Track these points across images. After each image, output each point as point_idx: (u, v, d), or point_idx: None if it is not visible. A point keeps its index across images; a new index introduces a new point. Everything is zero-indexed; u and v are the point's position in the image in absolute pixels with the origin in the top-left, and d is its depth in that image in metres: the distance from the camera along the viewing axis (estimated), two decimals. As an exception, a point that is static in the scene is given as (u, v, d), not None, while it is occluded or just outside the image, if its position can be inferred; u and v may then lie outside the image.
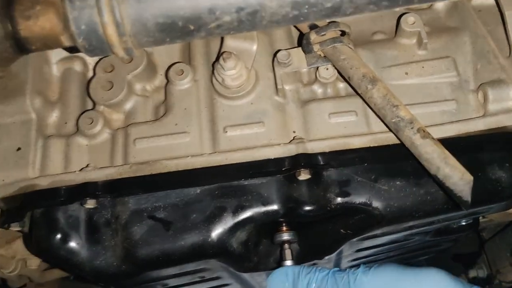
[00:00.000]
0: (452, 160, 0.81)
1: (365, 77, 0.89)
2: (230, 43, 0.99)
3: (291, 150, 0.91)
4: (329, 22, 0.98)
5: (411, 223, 0.97)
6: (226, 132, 0.96)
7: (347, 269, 0.91)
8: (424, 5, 1.12)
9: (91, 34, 0.63)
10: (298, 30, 1.06)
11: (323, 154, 0.90)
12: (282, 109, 0.99)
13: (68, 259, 0.92)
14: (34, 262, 1.39)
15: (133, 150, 0.96)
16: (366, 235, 1.01)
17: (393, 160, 0.92)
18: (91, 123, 0.99)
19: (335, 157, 0.91)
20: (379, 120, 0.93)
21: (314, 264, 1.07)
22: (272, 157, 0.91)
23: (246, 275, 1.16)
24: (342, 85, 1.02)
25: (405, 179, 0.91)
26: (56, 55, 1.10)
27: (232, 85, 0.97)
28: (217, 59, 0.96)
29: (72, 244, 0.91)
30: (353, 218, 0.95)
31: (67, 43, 0.67)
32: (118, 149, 0.98)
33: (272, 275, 0.97)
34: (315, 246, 1.05)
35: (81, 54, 1.10)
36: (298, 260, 1.01)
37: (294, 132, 0.97)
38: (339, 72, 0.98)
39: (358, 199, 0.90)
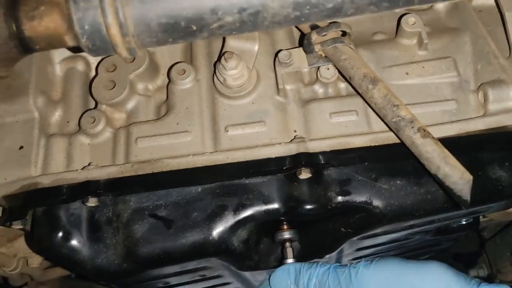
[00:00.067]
0: (452, 159, 0.81)
1: (366, 77, 0.90)
2: (232, 43, 1.00)
3: (292, 149, 0.91)
4: (330, 23, 0.99)
5: (411, 222, 0.98)
6: (228, 131, 0.97)
7: (349, 264, 0.91)
8: (425, 6, 1.13)
9: (94, 34, 0.63)
10: (299, 30, 1.07)
11: (323, 153, 0.91)
12: (283, 108, 1.00)
13: (69, 257, 0.92)
14: (36, 261, 1.40)
15: (134, 149, 0.97)
16: (367, 234, 1.01)
17: (394, 160, 0.92)
18: (93, 122, 1.00)
19: (335, 156, 0.91)
20: (380, 120, 0.93)
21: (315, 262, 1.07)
22: (273, 156, 0.91)
23: (247, 274, 1.17)
24: (343, 85, 1.02)
25: (406, 178, 0.92)
26: (59, 55, 1.10)
27: (234, 85, 0.98)
28: (219, 59, 0.97)
29: (74, 242, 0.92)
30: (354, 217, 0.95)
31: (71, 43, 0.67)
32: (120, 148, 0.98)
33: (274, 273, 0.97)
34: (316, 244, 1.06)
35: (84, 54, 1.11)
36: (299, 258, 1.01)
37: (295, 131, 0.97)
38: (340, 72, 0.98)
39: (359, 198, 0.91)
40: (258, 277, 1.20)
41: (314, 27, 0.99)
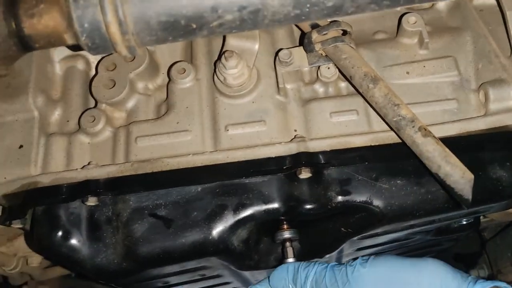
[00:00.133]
0: (453, 158, 0.81)
1: (367, 76, 0.90)
2: (232, 42, 1.00)
3: (292, 148, 0.91)
4: (331, 22, 0.99)
5: (411, 222, 0.98)
6: (228, 130, 0.96)
7: (345, 262, 0.91)
8: (426, 5, 1.13)
9: (94, 33, 0.63)
10: (300, 29, 1.07)
11: (324, 152, 0.91)
12: (283, 108, 0.99)
13: (69, 257, 0.92)
14: (36, 260, 1.40)
15: (134, 148, 0.97)
16: (367, 233, 1.01)
17: (394, 159, 0.92)
18: (93, 121, 0.99)
19: (336, 156, 0.91)
20: (380, 119, 0.93)
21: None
22: (273, 155, 0.91)
23: (246, 273, 1.16)
24: (343, 84, 1.02)
25: (406, 178, 0.91)
26: (59, 53, 1.10)
27: (234, 84, 0.97)
28: (219, 58, 0.97)
29: (73, 241, 0.92)
30: (354, 217, 0.95)
31: (70, 41, 0.67)
32: (120, 147, 0.98)
33: (274, 272, 0.97)
34: (316, 244, 1.05)
35: (84, 53, 1.10)
36: (299, 258, 1.01)
37: (295, 130, 0.97)
38: (340, 71, 0.98)
39: (359, 197, 0.90)
40: (258, 276, 1.20)
41: (314, 26, 0.99)
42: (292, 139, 0.94)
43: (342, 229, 0.98)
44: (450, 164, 0.81)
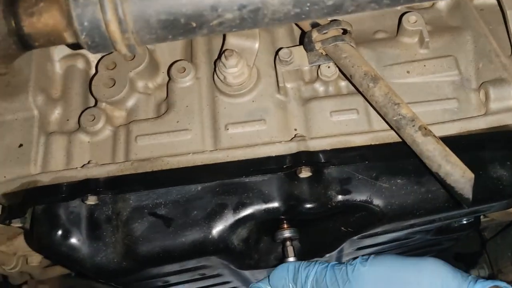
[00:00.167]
0: (453, 157, 0.81)
1: (367, 75, 0.90)
2: (232, 41, 0.99)
3: (292, 147, 0.91)
4: (331, 21, 0.98)
5: (412, 221, 0.98)
6: (228, 129, 0.96)
7: (346, 261, 0.91)
8: (426, 4, 1.12)
9: (94, 31, 0.63)
10: (300, 28, 1.06)
11: (324, 152, 0.91)
12: (283, 107, 0.99)
13: (69, 256, 0.92)
14: (35, 259, 1.40)
15: (134, 147, 0.97)
16: (367, 233, 1.01)
17: (394, 158, 0.92)
18: (93, 120, 0.99)
19: (336, 155, 0.91)
20: (381, 118, 0.93)
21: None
22: (273, 154, 0.91)
23: (246, 273, 1.16)
24: (343, 83, 1.02)
25: (406, 177, 0.91)
26: (59, 52, 1.10)
27: (234, 83, 0.97)
28: (219, 56, 0.97)
29: (73, 240, 0.91)
30: (354, 216, 0.95)
31: (70, 39, 0.67)
32: (120, 146, 0.98)
33: (274, 271, 0.97)
34: (316, 243, 1.05)
35: (84, 52, 1.10)
36: (299, 257, 1.01)
37: (295, 130, 0.97)
38: (340, 70, 0.98)
39: (359, 197, 0.90)
40: (258, 276, 1.19)
41: (314, 25, 0.99)
42: (292, 138, 0.94)
43: (342, 228, 0.98)
44: (450, 163, 0.81)
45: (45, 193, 0.92)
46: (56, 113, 1.06)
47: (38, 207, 0.93)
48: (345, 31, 0.98)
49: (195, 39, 1.08)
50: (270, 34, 1.08)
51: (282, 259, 1.00)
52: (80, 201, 0.92)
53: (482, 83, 0.99)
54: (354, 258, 0.90)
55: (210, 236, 0.90)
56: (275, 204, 0.90)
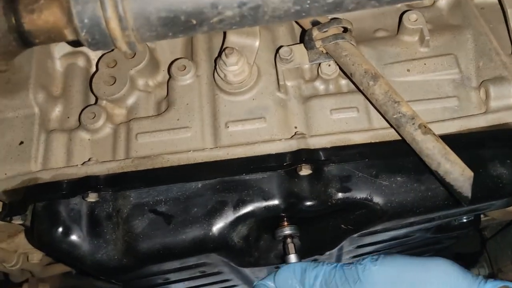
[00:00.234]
0: (453, 156, 0.81)
1: (367, 74, 0.90)
2: (233, 39, 1.00)
3: (292, 145, 0.91)
4: (331, 19, 0.98)
5: (411, 219, 0.98)
6: (228, 127, 0.96)
7: (354, 261, 0.91)
8: (427, 2, 1.13)
9: (94, 28, 0.63)
10: (300, 26, 1.07)
11: (324, 149, 0.91)
12: (283, 105, 0.99)
13: (69, 253, 0.92)
14: (36, 256, 1.40)
15: (135, 145, 0.97)
16: (367, 230, 1.01)
17: (394, 156, 0.92)
18: (94, 117, 1.00)
19: (336, 153, 0.91)
20: (381, 117, 0.93)
21: (315, 259, 1.07)
22: (273, 152, 0.91)
23: (246, 271, 1.16)
24: (344, 81, 1.02)
25: (406, 175, 0.91)
26: (60, 50, 1.10)
27: (234, 81, 0.97)
28: (220, 54, 0.97)
29: (74, 237, 0.92)
30: (354, 214, 0.95)
31: (70, 36, 0.67)
32: (120, 144, 0.98)
33: (280, 271, 0.97)
34: (316, 241, 1.05)
35: (84, 50, 1.11)
36: (299, 255, 1.01)
37: (295, 127, 0.97)
38: (341, 69, 0.98)
39: (359, 194, 0.90)
40: (258, 273, 1.20)
41: (315, 23, 0.99)
42: (292, 136, 0.94)
43: (342, 226, 0.98)
44: (449, 161, 0.81)
45: (46, 190, 0.92)
46: (56, 111, 1.06)
47: (39, 204, 0.93)
48: (345, 30, 0.98)
49: (195, 37, 1.09)
50: (271, 32, 1.08)
51: (283, 256, 1.00)
52: (80, 198, 0.92)
53: (483, 81, 0.99)
54: (363, 257, 0.90)
55: (210, 233, 0.90)
56: (275, 202, 0.91)
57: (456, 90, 1.00)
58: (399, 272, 0.86)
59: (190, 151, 0.93)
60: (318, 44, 0.97)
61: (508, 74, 0.97)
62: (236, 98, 0.99)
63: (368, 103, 0.96)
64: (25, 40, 0.68)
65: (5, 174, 0.96)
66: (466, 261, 2.27)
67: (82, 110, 1.02)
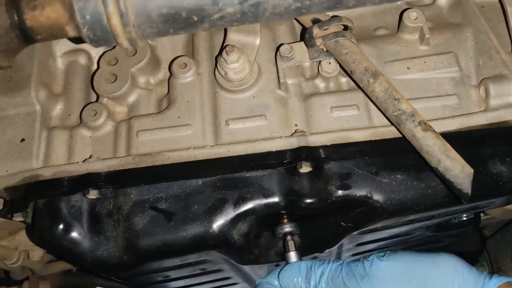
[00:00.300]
0: (453, 153, 0.81)
1: (367, 71, 0.90)
2: (233, 36, 1.00)
3: (293, 143, 0.91)
4: (332, 17, 0.99)
5: (411, 217, 0.98)
6: (228, 125, 0.97)
7: (361, 258, 0.91)
8: (427, 1, 1.13)
9: (95, 24, 0.63)
10: (301, 24, 1.07)
11: (324, 147, 0.91)
12: (284, 102, 1.00)
13: (70, 249, 0.93)
14: (37, 254, 1.41)
15: (136, 142, 0.97)
16: (367, 228, 1.01)
17: (394, 154, 0.92)
18: (95, 115, 1.00)
19: (336, 150, 0.91)
20: (381, 114, 0.93)
21: (315, 257, 1.07)
22: (274, 149, 0.91)
23: (247, 268, 1.17)
24: (344, 79, 1.02)
25: (406, 173, 0.91)
26: (61, 48, 1.11)
27: (235, 79, 0.98)
28: (220, 52, 0.97)
29: (74, 234, 0.92)
30: (354, 211, 0.95)
31: (72, 33, 0.67)
32: (121, 141, 0.99)
33: (284, 269, 0.97)
34: (316, 239, 1.06)
35: (85, 47, 1.11)
36: (299, 252, 1.01)
37: (296, 125, 0.97)
38: (341, 66, 0.98)
39: (359, 192, 0.90)
40: (258, 271, 1.20)
41: (315, 21, 0.99)
42: (292, 134, 0.94)
43: (342, 223, 0.98)
44: (449, 158, 0.81)
45: (47, 187, 0.92)
46: (58, 108, 1.07)
47: (40, 201, 0.94)
48: (346, 27, 0.99)
49: (196, 35, 1.09)
50: (271, 30, 1.09)
51: (283, 254, 1.00)
52: (81, 195, 0.93)
53: (482, 79, 0.99)
54: (369, 254, 0.90)
55: (211, 231, 0.90)
56: (276, 199, 0.91)
57: (456, 88, 1.00)
58: (407, 268, 0.87)
59: (190, 148, 0.93)
60: (318, 42, 0.98)
61: (508, 72, 0.98)
62: (236, 96, 0.99)
63: (368, 100, 0.96)
64: (27, 36, 0.68)
65: (6, 171, 0.96)
66: (466, 260, 2.27)
67: (83, 107, 1.02)
